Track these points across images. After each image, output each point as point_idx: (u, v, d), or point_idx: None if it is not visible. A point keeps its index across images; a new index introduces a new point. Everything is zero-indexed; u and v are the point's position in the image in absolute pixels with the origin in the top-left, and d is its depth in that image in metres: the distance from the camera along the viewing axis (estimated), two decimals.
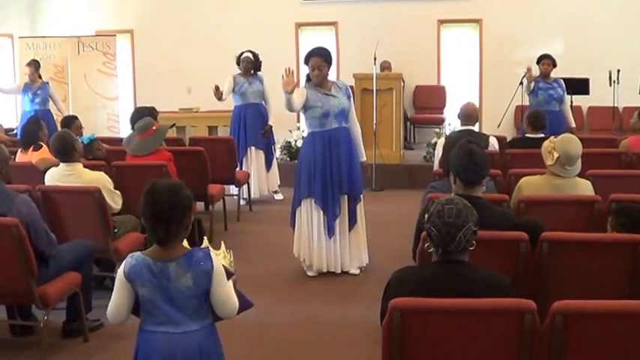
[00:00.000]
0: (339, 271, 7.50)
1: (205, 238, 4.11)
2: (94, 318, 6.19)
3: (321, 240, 7.43)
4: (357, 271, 7.54)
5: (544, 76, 10.48)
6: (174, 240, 3.60)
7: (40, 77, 12.22)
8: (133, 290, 3.63)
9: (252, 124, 10.98)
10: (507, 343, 3.40)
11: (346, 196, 7.41)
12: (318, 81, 7.30)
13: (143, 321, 3.68)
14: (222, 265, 3.76)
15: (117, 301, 3.68)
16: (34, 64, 12.17)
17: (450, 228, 3.55)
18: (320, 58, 7.28)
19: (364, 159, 7.66)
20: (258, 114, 11.00)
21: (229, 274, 3.80)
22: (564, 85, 10.49)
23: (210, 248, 3.87)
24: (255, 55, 11.00)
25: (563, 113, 10.45)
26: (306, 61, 7.36)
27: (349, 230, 7.47)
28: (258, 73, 11.04)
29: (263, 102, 11.03)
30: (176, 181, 3.74)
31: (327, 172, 7.35)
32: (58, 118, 11.74)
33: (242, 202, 10.54)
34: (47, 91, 12.10)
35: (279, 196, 11.33)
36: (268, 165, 11.19)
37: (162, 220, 3.52)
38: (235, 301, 3.72)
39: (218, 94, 10.62)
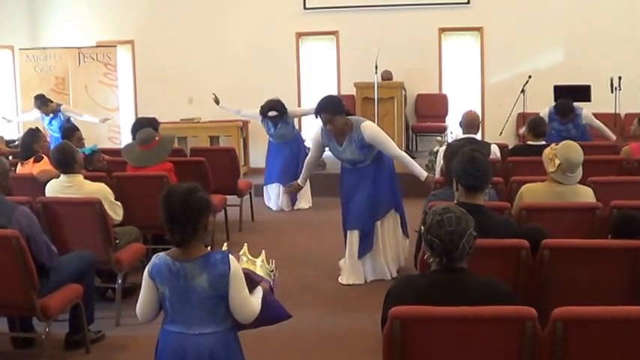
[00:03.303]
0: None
1: (226, 243, 4.16)
2: (97, 329, 6.19)
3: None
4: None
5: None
6: (192, 241, 3.68)
7: (51, 102, 11.97)
8: (156, 288, 3.73)
9: (284, 162, 11.23)
10: (508, 351, 3.39)
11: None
12: (335, 134, 7.38)
13: (164, 319, 3.80)
14: (248, 273, 3.84)
15: (143, 298, 3.81)
16: (40, 99, 11.90)
17: (453, 236, 3.56)
18: (327, 113, 7.29)
19: (424, 175, 7.43)
20: (290, 153, 11.22)
21: (254, 282, 3.86)
22: (582, 115, 10.06)
23: (248, 256, 4.02)
24: (278, 108, 11.07)
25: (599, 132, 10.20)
26: (316, 116, 7.44)
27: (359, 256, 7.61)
28: (284, 116, 11.12)
29: (296, 139, 11.30)
30: (192, 184, 3.80)
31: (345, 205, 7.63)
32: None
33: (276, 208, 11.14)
34: (61, 117, 11.89)
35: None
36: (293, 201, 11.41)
37: (178, 222, 3.63)
38: (253, 308, 3.77)
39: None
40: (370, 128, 7.36)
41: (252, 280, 3.83)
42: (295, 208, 11.37)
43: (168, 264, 3.68)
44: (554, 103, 10.32)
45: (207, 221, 3.72)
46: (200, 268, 3.64)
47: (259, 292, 3.87)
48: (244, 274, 3.77)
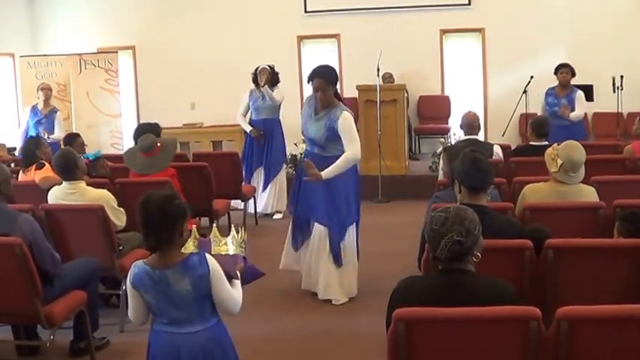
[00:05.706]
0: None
1: (194, 226, 4.23)
2: (101, 336, 6.18)
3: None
4: (329, 298, 7.14)
5: (563, 86, 10.31)
6: (168, 247, 3.79)
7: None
8: (141, 296, 3.84)
9: (261, 142, 11.00)
10: (513, 351, 3.38)
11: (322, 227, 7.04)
12: (322, 104, 6.97)
13: (153, 320, 3.93)
14: (223, 264, 3.93)
15: (131, 306, 3.95)
16: (51, 90, 12.10)
17: (435, 235, 3.60)
18: (322, 79, 6.94)
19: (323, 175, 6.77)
20: (271, 131, 11.00)
21: (229, 275, 3.95)
22: (578, 93, 10.32)
23: (218, 237, 4.14)
24: (272, 68, 10.94)
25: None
26: (309, 81, 7.06)
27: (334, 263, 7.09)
28: (274, 87, 10.92)
29: (279, 117, 11.06)
30: (170, 191, 3.97)
31: (299, 194, 7.18)
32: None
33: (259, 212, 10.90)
34: (53, 120, 11.90)
35: (277, 216, 11.16)
36: (264, 185, 11.08)
37: (153, 228, 3.74)
38: (237, 300, 3.93)
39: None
40: (347, 119, 6.92)
41: (227, 274, 3.94)
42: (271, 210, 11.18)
43: (148, 272, 3.78)
44: None
45: (182, 228, 3.80)
46: (180, 274, 3.75)
47: (238, 283, 4.01)
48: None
